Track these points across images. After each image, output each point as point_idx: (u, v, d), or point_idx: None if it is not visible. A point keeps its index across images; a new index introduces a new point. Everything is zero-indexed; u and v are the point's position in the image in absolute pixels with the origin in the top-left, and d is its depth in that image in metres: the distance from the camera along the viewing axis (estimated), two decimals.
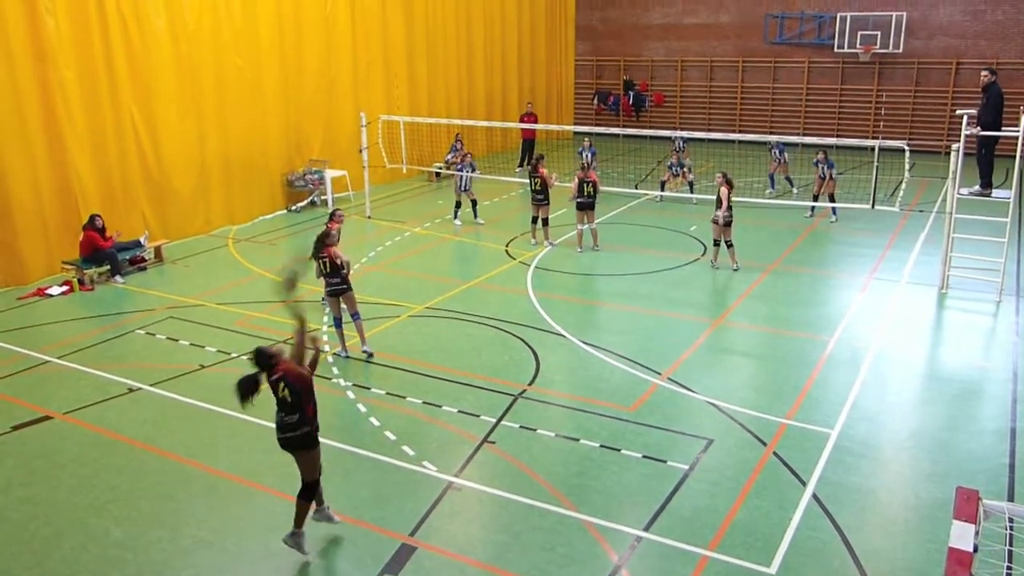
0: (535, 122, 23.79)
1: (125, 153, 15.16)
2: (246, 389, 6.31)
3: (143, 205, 15.64)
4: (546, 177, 15.48)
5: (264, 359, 6.50)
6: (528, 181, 15.92)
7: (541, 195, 15.53)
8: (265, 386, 6.44)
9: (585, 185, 14.91)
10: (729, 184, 13.99)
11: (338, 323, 10.55)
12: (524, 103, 26.90)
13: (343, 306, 10.42)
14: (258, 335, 11.30)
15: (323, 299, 11.11)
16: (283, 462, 8.03)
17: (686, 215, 17.98)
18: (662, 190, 19.35)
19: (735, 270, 13.99)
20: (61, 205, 14.17)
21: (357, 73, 20.81)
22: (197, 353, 10.78)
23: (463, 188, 17.60)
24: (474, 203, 17.69)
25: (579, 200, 15.00)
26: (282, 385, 6.49)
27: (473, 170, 22.41)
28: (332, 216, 11.71)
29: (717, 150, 25.23)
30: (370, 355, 10.51)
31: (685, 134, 19.48)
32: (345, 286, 10.30)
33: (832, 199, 17.28)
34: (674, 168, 19.11)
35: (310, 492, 6.73)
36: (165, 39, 15.63)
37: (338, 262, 10.16)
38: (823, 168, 17.17)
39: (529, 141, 24.56)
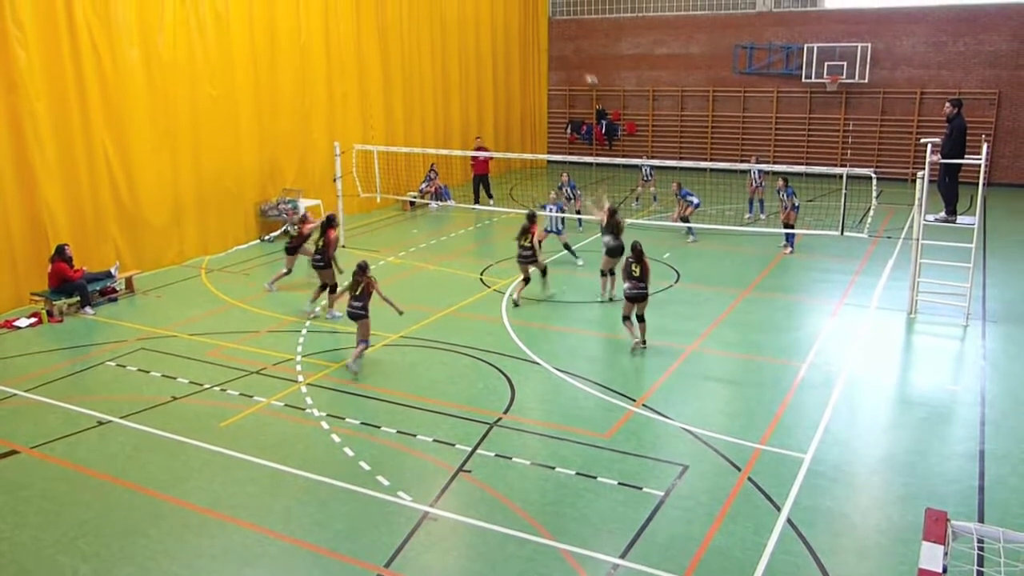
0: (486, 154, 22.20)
1: (97, 184, 15.05)
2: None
3: (115, 236, 15.49)
4: (535, 242, 13.81)
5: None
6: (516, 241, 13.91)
7: (529, 251, 13.66)
8: None
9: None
10: (636, 253, 11.52)
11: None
12: (493, 133, 26.24)
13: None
14: (231, 365, 11.21)
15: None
16: (255, 493, 7.98)
17: (659, 242, 18.13)
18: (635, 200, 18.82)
19: (635, 345, 11.64)
20: (30, 236, 14.00)
21: (332, 103, 20.87)
22: (169, 384, 10.65)
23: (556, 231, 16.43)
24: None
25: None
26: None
27: (448, 198, 22.57)
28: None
29: (689, 178, 25.47)
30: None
31: (655, 162, 19.47)
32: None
33: (789, 226, 17.04)
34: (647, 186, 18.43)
35: None
36: (138, 69, 15.59)
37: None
38: (782, 194, 17.29)
39: (480, 176, 22.75)
